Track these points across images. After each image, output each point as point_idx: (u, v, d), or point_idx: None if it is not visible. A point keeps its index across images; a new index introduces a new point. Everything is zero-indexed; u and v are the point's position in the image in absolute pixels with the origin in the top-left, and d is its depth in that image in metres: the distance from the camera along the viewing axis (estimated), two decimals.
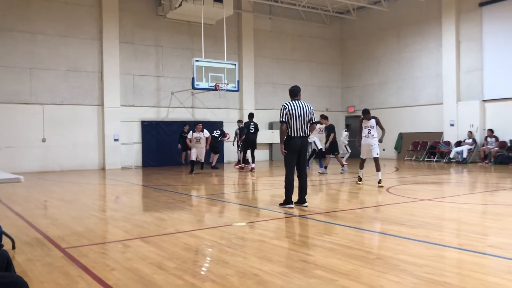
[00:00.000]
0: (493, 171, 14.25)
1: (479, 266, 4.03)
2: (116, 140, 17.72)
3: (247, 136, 15.12)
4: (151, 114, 18.76)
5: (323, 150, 14.47)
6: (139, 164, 18.43)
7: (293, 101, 7.27)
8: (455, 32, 18.93)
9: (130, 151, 18.29)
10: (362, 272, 3.79)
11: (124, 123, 17.96)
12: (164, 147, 18.61)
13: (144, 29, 18.60)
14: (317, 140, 14.54)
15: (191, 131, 14.71)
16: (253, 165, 15.15)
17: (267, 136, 20.71)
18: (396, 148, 21.57)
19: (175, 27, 19.23)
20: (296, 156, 7.21)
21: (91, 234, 5.61)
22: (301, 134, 7.17)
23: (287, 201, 7.30)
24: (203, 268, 4.14)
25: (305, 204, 7.26)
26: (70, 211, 7.58)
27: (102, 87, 17.58)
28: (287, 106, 7.14)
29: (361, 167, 10.95)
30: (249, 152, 15.28)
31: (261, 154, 21.13)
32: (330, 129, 14.21)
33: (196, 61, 16.90)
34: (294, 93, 7.39)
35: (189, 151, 15.33)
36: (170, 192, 9.97)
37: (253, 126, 15.18)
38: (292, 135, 7.13)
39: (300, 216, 6.58)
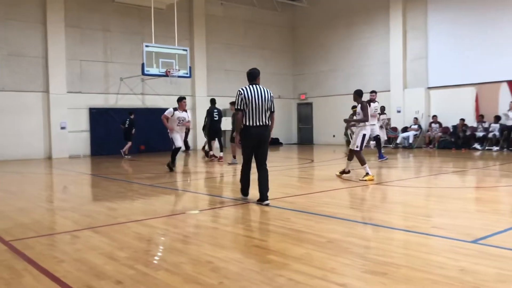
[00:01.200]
0: (437, 156, 14.91)
1: (424, 246, 4.22)
2: (63, 128, 17.09)
3: (212, 124, 13.97)
4: (100, 101, 18.19)
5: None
6: (88, 152, 17.89)
7: (251, 86, 6.41)
8: (402, 21, 19.50)
9: (78, 139, 17.70)
10: (314, 256, 3.88)
11: (71, 110, 17.33)
12: (114, 135, 18.12)
13: (91, 13, 17.92)
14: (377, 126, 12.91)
15: (171, 109, 10.95)
16: (221, 154, 14.28)
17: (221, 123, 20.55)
18: (345, 134, 22.07)
19: (124, 11, 18.66)
20: (252, 149, 6.45)
21: (38, 226, 5.40)
22: (259, 123, 6.33)
23: (242, 193, 6.83)
24: (156, 257, 4.10)
25: (266, 202, 6.29)
26: (15, 202, 7.27)
27: (47, 73, 16.85)
28: (242, 92, 6.32)
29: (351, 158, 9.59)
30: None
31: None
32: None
33: (146, 46, 16.52)
34: (252, 76, 6.51)
35: (173, 136, 11.00)
36: (121, 181, 9.76)
37: (216, 113, 14.04)
38: (249, 124, 6.32)
39: (253, 202, 6.63)
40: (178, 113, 10.85)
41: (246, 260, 3.83)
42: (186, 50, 17.59)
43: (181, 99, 11.10)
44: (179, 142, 10.97)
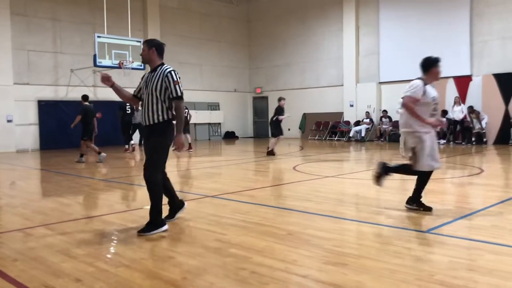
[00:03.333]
0: (387, 148, 15.41)
1: (380, 237, 4.37)
2: (9, 121, 16.33)
3: (124, 117, 14.98)
4: (49, 93, 17.50)
5: None
6: (37, 146, 17.19)
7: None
8: (355, 17, 19.94)
9: (26, 132, 16.98)
10: (275, 248, 3.93)
11: (18, 102, 16.57)
12: (64, 128, 17.47)
13: (40, 1, 17.16)
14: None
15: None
16: (126, 146, 15.07)
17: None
18: (300, 127, 22.41)
19: (73, 0, 18.00)
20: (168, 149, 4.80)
21: None
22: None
23: (159, 220, 4.57)
24: (115, 254, 4.01)
25: (185, 207, 5.14)
26: None
27: None
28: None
29: None
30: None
31: None
32: None
33: (98, 37, 16.06)
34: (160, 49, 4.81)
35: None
36: (73, 176, 9.46)
37: (129, 106, 15.02)
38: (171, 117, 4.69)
39: (212, 196, 6.62)
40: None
41: (208, 254, 3.82)
42: (139, 41, 17.22)
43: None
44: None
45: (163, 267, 3.51)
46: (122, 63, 16.39)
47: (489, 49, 16.50)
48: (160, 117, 4.54)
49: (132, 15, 17.77)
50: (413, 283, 3.04)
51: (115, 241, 4.44)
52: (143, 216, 5.43)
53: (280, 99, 13.70)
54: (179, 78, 4.66)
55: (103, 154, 11.79)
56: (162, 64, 4.71)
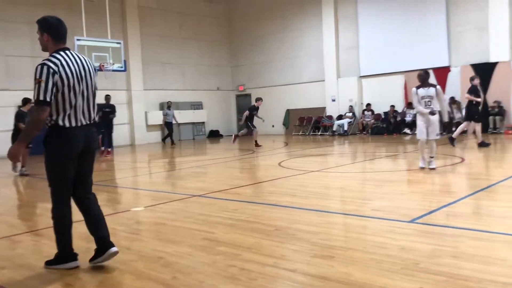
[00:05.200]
0: (370, 141, 15.59)
1: (365, 228, 4.46)
2: None
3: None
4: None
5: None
6: None
7: (63, 53, 3.53)
8: (333, 11, 20.08)
9: (8, 139, 16.69)
10: (263, 244, 3.99)
11: None
12: None
13: (16, 5, 16.91)
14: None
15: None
16: (109, 149, 14.88)
17: (159, 117, 20.07)
18: (284, 124, 22.52)
19: (51, 3, 17.75)
20: (72, 164, 3.53)
21: None
22: (84, 121, 3.56)
23: (64, 255, 3.65)
24: None
25: (113, 250, 3.63)
26: None
27: None
28: (54, 65, 3.39)
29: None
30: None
31: (152, 136, 20.78)
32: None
33: (78, 40, 15.86)
34: (59, 29, 3.69)
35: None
36: None
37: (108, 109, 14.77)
38: (66, 123, 3.45)
39: (198, 195, 6.65)
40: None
41: (197, 253, 3.86)
42: (120, 43, 17.08)
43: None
44: None
45: (153, 268, 3.54)
46: (103, 65, 16.24)
47: (465, 39, 16.79)
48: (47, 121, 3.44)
49: (111, 17, 17.60)
50: (399, 272, 3.12)
51: None
52: (131, 218, 5.45)
53: (257, 100, 14.21)
54: (51, 72, 3.32)
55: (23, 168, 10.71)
56: (57, 51, 3.53)
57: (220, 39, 24.16)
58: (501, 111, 15.64)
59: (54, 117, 3.41)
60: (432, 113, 7.64)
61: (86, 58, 3.71)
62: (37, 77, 3.31)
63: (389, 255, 3.50)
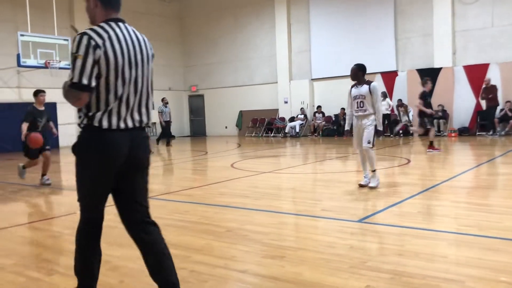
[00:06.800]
0: (321, 143, 15.88)
1: (315, 228, 4.53)
2: None
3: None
4: None
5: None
6: None
7: (114, 25, 2.59)
8: (286, 14, 20.31)
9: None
10: (214, 246, 3.96)
11: None
12: None
13: None
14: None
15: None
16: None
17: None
18: (237, 125, 22.54)
19: None
20: (107, 180, 2.64)
21: None
22: (131, 124, 2.60)
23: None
24: (48, 262, 3.85)
25: None
26: None
27: None
28: (96, 36, 2.44)
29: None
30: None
31: None
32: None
33: (22, 35, 15.18)
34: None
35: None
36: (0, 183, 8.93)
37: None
38: (104, 123, 2.49)
39: (149, 197, 6.50)
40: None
41: None
42: (67, 40, 16.50)
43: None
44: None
45: (100, 272, 3.42)
46: (49, 62, 15.63)
47: (412, 45, 17.46)
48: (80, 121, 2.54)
49: (58, 12, 16.95)
50: (347, 271, 3.18)
51: (48, 249, 4.26)
52: (77, 221, 5.24)
53: (425, 81, 11.19)
54: (92, 45, 2.38)
55: None
56: (107, 21, 2.58)
57: (172, 39, 23.85)
58: (444, 115, 16.35)
59: (90, 113, 2.47)
60: (379, 132, 6.60)
61: (144, 37, 2.74)
62: (73, 51, 2.40)
63: (338, 254, 3.56)
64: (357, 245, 3.79)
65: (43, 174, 8.22)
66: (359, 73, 6.51)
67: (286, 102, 20.64)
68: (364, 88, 6.41)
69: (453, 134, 15.84)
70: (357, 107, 6.47)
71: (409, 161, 9.68)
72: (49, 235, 4.64)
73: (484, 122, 15.63)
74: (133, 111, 2.61)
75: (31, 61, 15.36)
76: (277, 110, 21.03)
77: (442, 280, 2.94)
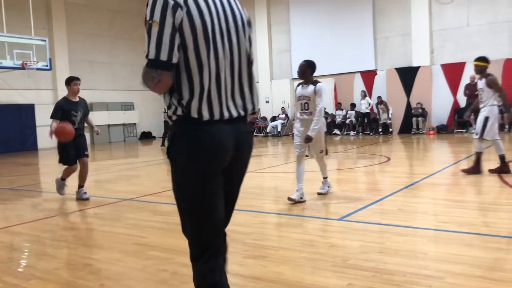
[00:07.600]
0: None
1: (297, 227, 4.54)
2: None
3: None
4: None
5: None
6: None
7: None
8: (266, 15, 20.35)
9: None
10: None
11: None
12: None
13: None
14: None
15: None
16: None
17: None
18: None
19: None
20: (218, 186, 2.01)
21: None
22: (235, 112, 1.97)
23: None
24: (25, 266, 3.79)
25: None
26: None
27: None
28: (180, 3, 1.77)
29: None
30: None
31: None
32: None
33: None
34: None
35: None
36: None
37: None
38: (205, 114, 1.86)
39: (129, 199, 6.45)
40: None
41: (127, 258, 3.74)
42: (44, 40, 16.23)
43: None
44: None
45: (80, 276, 3.38)
46: (26, 63, 15.35)
47: (391, 45, 17.67)
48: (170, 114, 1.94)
49: (34, 12, 16.67)
50: (329, 269, 3.20)
51: (26, 253, 4.18)
52: (57, 224, 5.18)
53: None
54: (171, 5, 1.77)
55: None
56: None
57: None
58: (423, 113, 16.59)
59: (183, 101, 1.84)
60: (309, 138, 5.61)
61: (238, 3, 2.20)
62: (147, 18, 1.78)
63: (320, 252, 3.58)
64: (338, 243, 3.82)
65: (80, 186, 6.69)
66: (307, 71, 5.72)
67: (267, 102, 20.69)
68: (310, 88, 5.62)
69: (431, 132, 16.09)
70: (301, 109, 5.70)
71: (389, 159, 9.79)
72: (27, 239, 4.56)
73: (462, 120, 15.92)
74: (234, 94, 1.98)
75: (7, 62, 15.07)
76: (258, 109, 21.05)
77: (423, 277, 2.98)
